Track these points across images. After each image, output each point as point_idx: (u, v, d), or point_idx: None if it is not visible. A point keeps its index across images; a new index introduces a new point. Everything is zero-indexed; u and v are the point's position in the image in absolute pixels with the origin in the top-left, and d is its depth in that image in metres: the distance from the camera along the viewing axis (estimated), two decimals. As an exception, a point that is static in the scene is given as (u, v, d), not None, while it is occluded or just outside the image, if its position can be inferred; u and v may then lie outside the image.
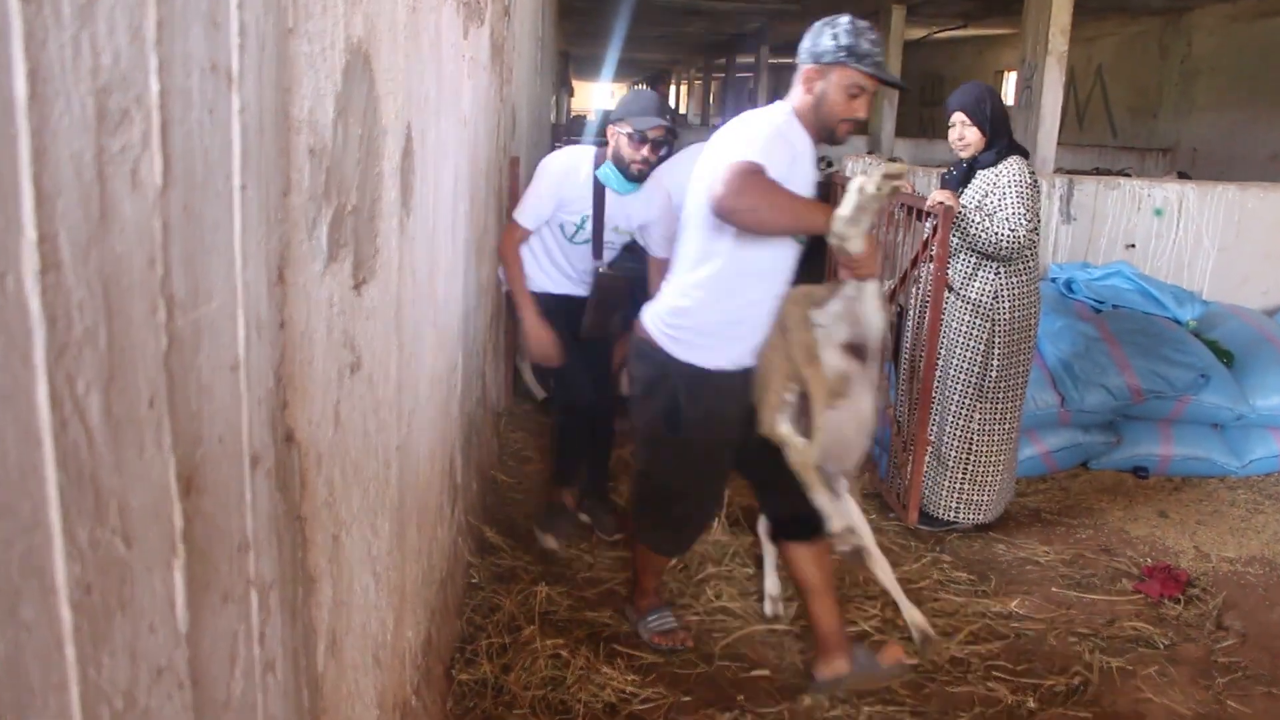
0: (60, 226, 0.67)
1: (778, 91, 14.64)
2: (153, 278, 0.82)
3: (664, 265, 3.04)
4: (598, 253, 3.51)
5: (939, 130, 13.36)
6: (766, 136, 2.40)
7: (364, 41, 1.54)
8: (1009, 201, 3.53)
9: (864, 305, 2.48)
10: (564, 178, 3.39)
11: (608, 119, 3.36)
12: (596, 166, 3.40)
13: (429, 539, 2.47)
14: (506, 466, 4.28)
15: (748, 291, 2.52)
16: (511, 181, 4.81)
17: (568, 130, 16.26)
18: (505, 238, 3.52)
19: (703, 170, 2.52)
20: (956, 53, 18.23)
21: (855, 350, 2.51)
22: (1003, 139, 3.66)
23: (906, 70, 13.60)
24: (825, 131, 2.48)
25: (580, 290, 3.60)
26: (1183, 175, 8.45)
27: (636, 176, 3.30)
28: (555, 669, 2.73)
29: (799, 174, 2.39)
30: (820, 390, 2.50)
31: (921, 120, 18.71)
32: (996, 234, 3.51)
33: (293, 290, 1.23)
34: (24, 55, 0.62)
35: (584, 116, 21.78)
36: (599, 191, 3.39)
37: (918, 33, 15.50)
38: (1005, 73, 16.24)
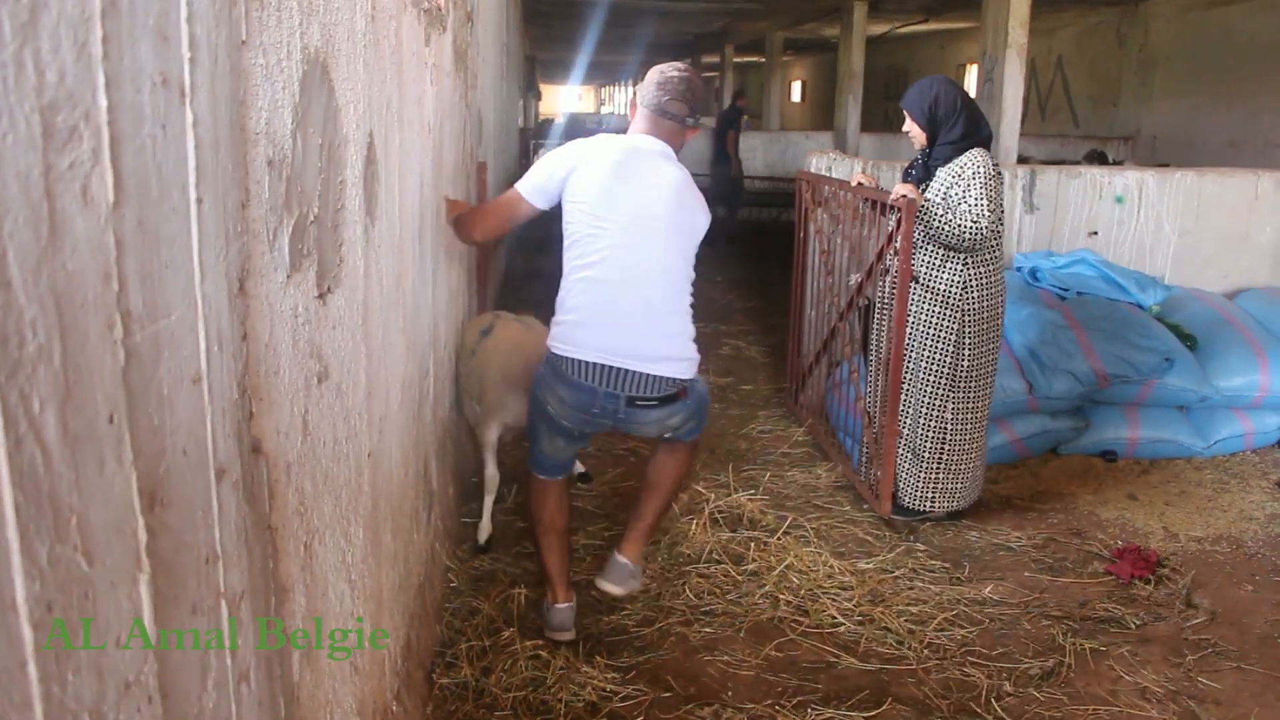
0: (9, 244, 0.67)
1: (744, 89, 14.68)
2: (108, 294, 0.82)
3: None
4: None
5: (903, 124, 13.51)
6: None
7: (321, 51, 1.54)
8: (973, 193, 3.58)
9: None
10: None
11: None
12: None
13: (405, 544, 2.46)
14: (482, 471, 4.28)
15: None
16: (479, 186, 4.80)
17: (535, 134, 16.25)
18: None
19: None
20: (919, 47, 18.37)
21: None
22: (954, 131, 3.70)
23: (870, 65, 13.67)
24: None
25: None
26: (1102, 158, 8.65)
27: None
28: (535, 670, 2.73)
29: None
30: None
31: (887, 114, 18.83)
32: (959, 225, 3.55)
33: (255, 301, 1.23)
34: (-33, 75, 0.62)
35: (552, 120, 21.77)
36: None
37: (880, 28, 15.61)
38: (967, 66, 16.37)
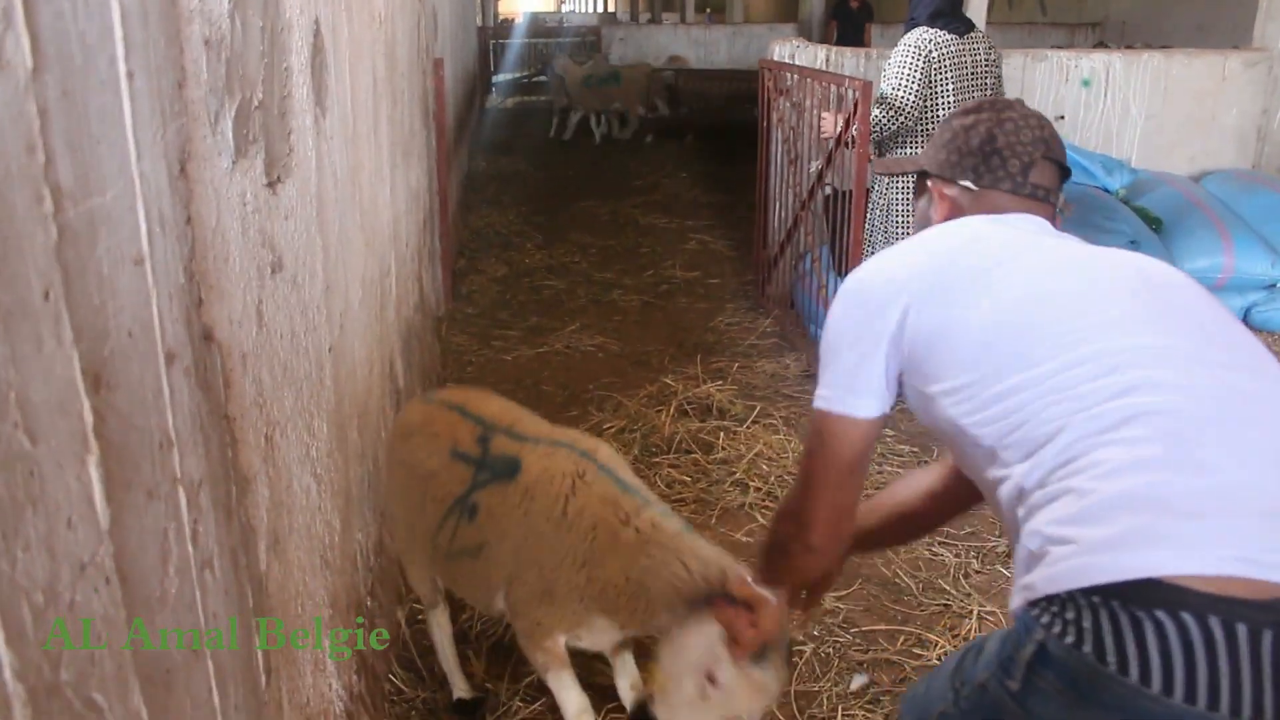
0: (-86, 102, 0.63)
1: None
2: (34, 165, 0.78)
3: None
4: None
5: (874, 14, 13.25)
6: None
7: (257, -73, 1.46)
8: (888, 70, 3.70)
9: None
10: None
11: None
12: None
13: (372, 442, 2.46)
14: (449, 371, 4.27)
15: None
16: (436, 82, 4.68)
17: (495, 34, 15.77)
18: None
19: None
20: (887, -68, 17.88)
21: None
22: (913, 13, 3.79)
23: (837, -48, 13.32)
24: None
25: None
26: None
27: None
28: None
29: None
30: None
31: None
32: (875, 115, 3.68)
33: (199, 185, 1.18)
34: None
35: (512, 20, 21.09)
36: None
37: (847, -88, 15.13)
38: (936, -49, 16.02)
